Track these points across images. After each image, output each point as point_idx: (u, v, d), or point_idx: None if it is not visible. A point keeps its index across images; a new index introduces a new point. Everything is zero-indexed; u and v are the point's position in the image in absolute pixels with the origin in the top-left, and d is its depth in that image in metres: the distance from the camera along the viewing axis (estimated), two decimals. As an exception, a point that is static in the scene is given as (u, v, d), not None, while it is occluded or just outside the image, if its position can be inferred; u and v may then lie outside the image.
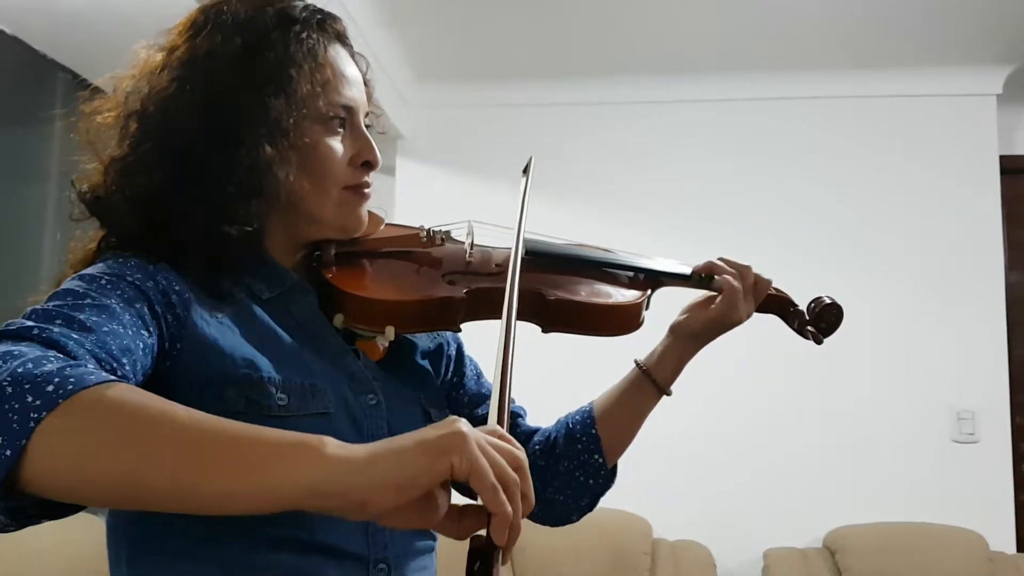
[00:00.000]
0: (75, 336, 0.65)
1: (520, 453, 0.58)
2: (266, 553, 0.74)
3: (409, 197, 3.57)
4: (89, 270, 0.76)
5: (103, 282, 0.73)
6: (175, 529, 0.75)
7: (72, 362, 0.60)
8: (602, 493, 1.04)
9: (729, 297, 0.99)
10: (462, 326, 0.91)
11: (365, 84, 0.93)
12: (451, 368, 1.01)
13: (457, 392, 1.01)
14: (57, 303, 0.69)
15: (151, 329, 0.73)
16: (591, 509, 1.05)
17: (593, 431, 1.01)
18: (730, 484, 3.23)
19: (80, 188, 0.83)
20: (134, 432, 0.55)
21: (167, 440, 0.55)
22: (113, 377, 0.59)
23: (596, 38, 3.22)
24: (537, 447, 1.03)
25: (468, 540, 0.57)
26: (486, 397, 1.02)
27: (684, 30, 3.13)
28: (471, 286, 0.90)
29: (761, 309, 1.05)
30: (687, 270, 1.04)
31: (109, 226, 0.82)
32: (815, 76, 3.41)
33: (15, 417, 0.54)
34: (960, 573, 2.85)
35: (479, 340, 1.00)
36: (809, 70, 3.40)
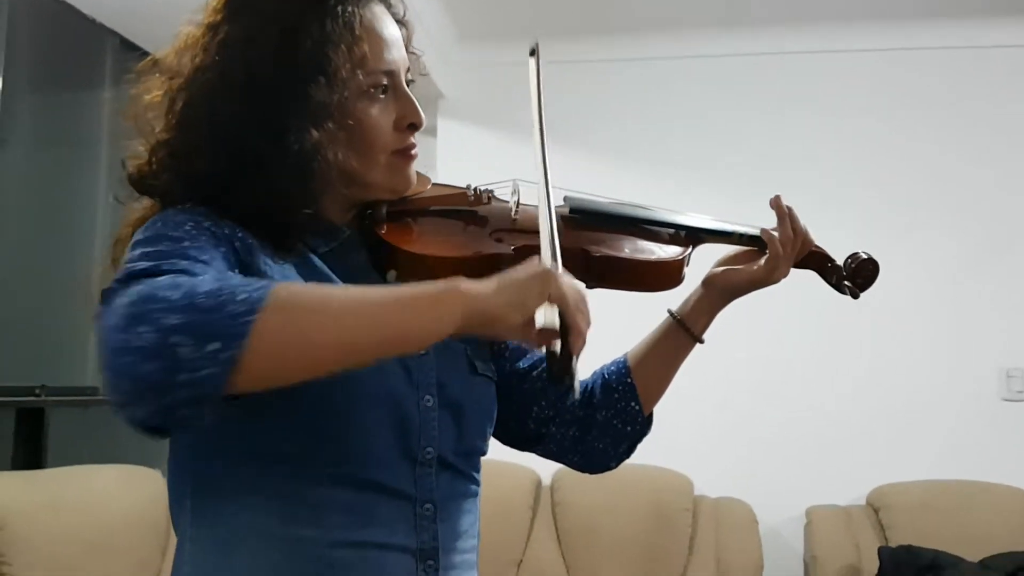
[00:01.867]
0: (199, 265, 0.71)
1: (581, 286, 0.75)
2: (324, 489, 0.79)
3: (451, 157, 3.58)
4: (165, 214, 0.79)
5: (188, 227, 0.76)
6: (237, 467, 0.79)
7: (230, 275, 0.69)
8: (639, 439, 1.06)
9: (773, 260, 1.00)
10: None
11: (404, 26, 0.93)
12: None
13: (500, 346, 1.03)
14: (162, 245, 0.73)
15: (235, 270, 0.77)
16: (628, 455, 1.07)
17: (629, 380, 1.03)
18: (773, 440, 3.24)
19: (129, 169, 0.86)
20: (329, 314, 0.67)
21: (358, 313, 0.68)
22: (271, 282, 0.67)
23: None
24: (576, 398, 1.05)
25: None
26: (525, 352, 1.04)
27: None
28: (519, 243, 0.92)
29: (799, 265, 1.06)
30: (729, 227, 1.05)
31: (164, 201, 0.85)
32: (869, 27, 3.33)
33: (228, 324, 0.62)
34: (1007, 532, 2.84)
35: None
36: (860, 22, 3.32)
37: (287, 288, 0.67)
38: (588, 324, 0.73)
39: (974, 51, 3.30)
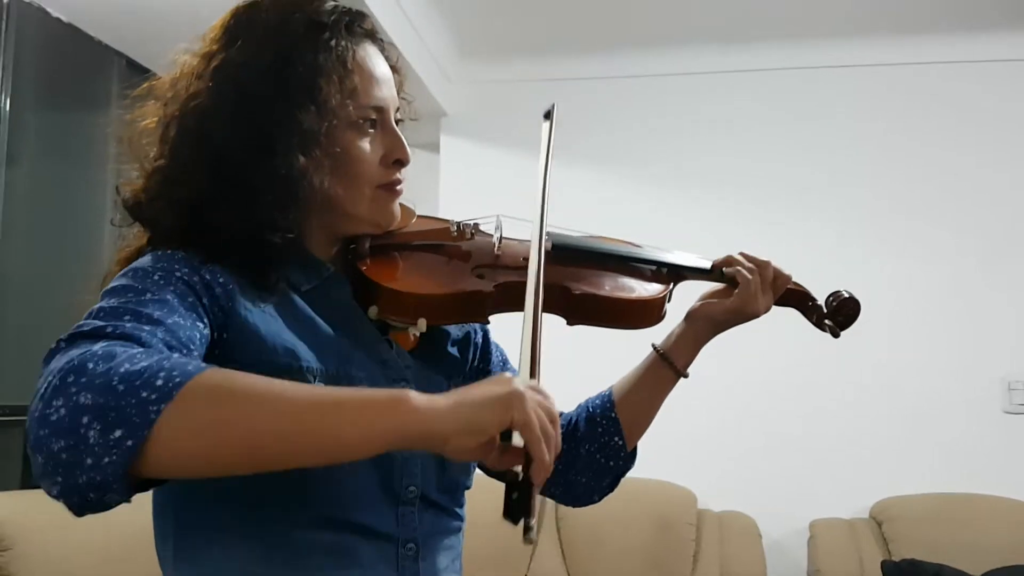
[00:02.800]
0: (147, 328, 0.70)
1: (554, 408, 0.69)
2: (306, 531, 0.80)
3: (453, 173, 3.61)
4: (140, 263, 0.80)
5: (156, 277, 0.77)
6: (220, 509, 0.80)
7: (166, 353, 0.66)
8: (622, 474, 1.07)
9: (744, 291, 1.02)
10: (490, 318, 0.95)
11: (396, 72, 0.95)
12: (478, 355, 1.05)
13: (483, 378, 1.05)
14: (119, 300, 0.73)
15: (205, 320, 0.78)
16: (612, 490, 1.08)
17: (612, 414, 1.04)
18: (776, 453, 3.24)
19: (124, 195, 0.87)
20: (248, 407, 0.63)
21: (280, 408, 0.63)
22: (204, 364, 0.65)
23: (635, 9, 3.20)
24: (560, 431, 1.06)
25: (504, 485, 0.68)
26: None
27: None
28: (500, 280, 0.93)
29: (780, 302, 1.08)
30: (708, 264, 1.06)
31: (153, 230, 0.86)
32: (880, 41, 3.35)
33: (134, 412, 0.60)
34: (1010, 544, 2.83)
35: (505, 328, 1.04)
36: (852, 38, 3.34)
37: (212, 376, 0.63)
38: (556, 451, 0.67)
39: (982, 63, 3.32)
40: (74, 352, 0.64)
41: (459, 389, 0.68)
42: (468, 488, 0.95)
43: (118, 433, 0.60)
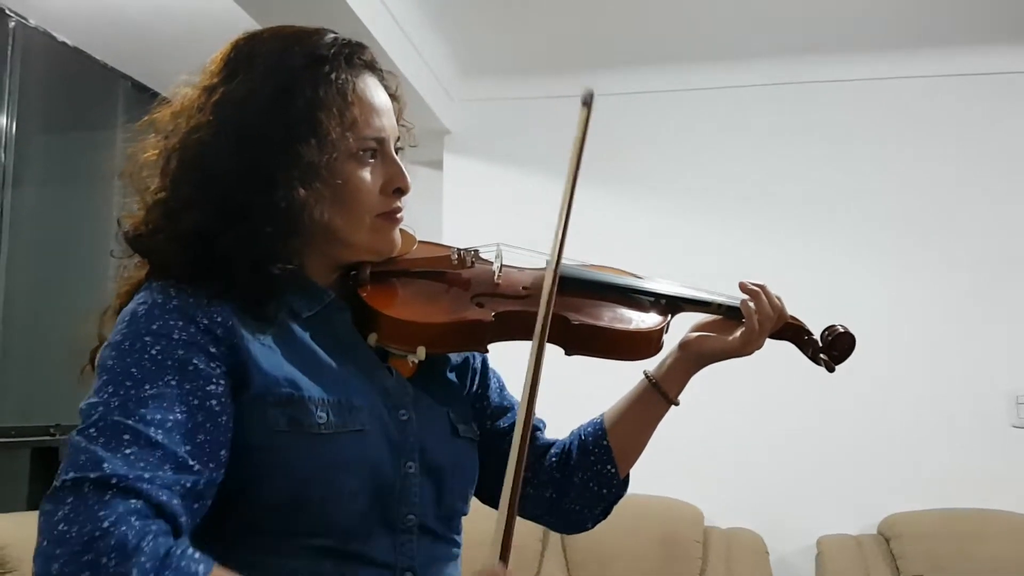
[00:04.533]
0: (148, 471, 0.71)
1: None
2: (305, 561, 0.80)
3: (457, 191, 3.62)
4: (136, 318, 0.79)
5: (154, 353, 0.77)
6: (220, 541, 0.80)
7: (171, 557, 0.69)
8: (615, 502, 1.06)
9: (748, 334, 1.02)
10: (489, 347, 0.96)
11: (396, 100, 0.96)
12: (476, 381, 1.05)
13: (481, 404, 1.05)
14: (117, 397, 0.74)
15: (216, 379, 0.78)
16: (604, 517, 1.08)
17: (604, 442, 1.04)
18: (783, 470, 3.23)
19: (124, 226, 0.88)
20: None
21: None
22: (208, 569, 0.70)
23: (638, 26, 3.22)
24: (553, 459, 1.06)
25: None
26: (507, 409, 1.06)
27: (729, 14, 3.12)
28: (499, 309, 0.93)
29: (776, 336, 1.07)
30: (708, 296, 1.06)
31: (153, 263, 0.86)
32: (884, 56, 3.37)
33: None
34: (1018, 560, 2.81)
35: (504, 355, 1.04)
36: (851, 53, 3.36)
37: None
38: None
39: (982, 78, 3.33)
40: (82, 518, 0.67)
41: None
42: (465, 515, 0.95)
43: None
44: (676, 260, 3.27)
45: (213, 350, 0.79)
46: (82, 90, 3.14)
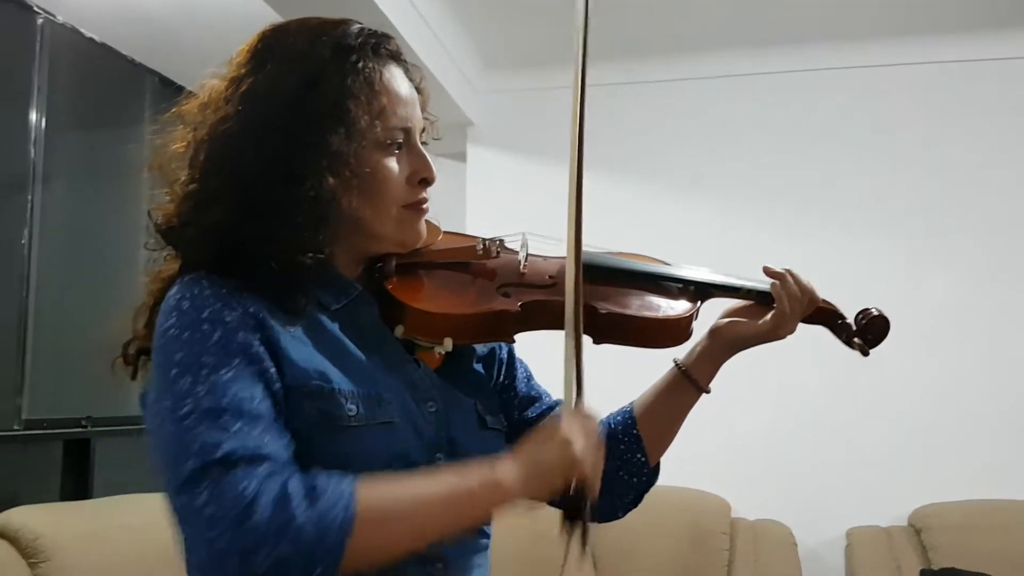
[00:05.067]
0: (256, 435, 0.76)
1: (597, 432, 0.84)
2: None
3: (480, 183, 3.62)
4: (182, 310, 0.80)
5: (216, 340, 0.78)
6: None
7: (319, 486, 0.74)
8: (646, 490, 1.06)
9: (779, 316, 1.01)
10: (516, 337, 0.96)
11: (420, 92, 0.96)
12: (503, 371, 1.05)
13: (508, 394, 1.05)
14: (200, 385, 0.76)
15: (268, 360, 0.80)
16: (635, 505, 1.07)
17: (634, 431, 1.04)
18: (811, 461, 3.20)
19: (156, 219, 0.88)
20: (403, 520, 0.77)
21: (425, 515, 0.78)
22: (348, 489, 0.75)
23: (661, 15, 3.20)
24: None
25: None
26: (535, 399, 1.06)
27: (750, 1, 3.09)
28: (525, 299, 0.93)
29: (808, 320, 1.05)
30: (737, 282, 1.05)
31: (185, 255, 0.87)
32: (915, 40, 3.32)
33: (328, 549, 0.72)
34: (1053, 552, 2.77)
35: (531, 345, 1.04)
36: (903, 36, 3.31)
37: (364, 502, 0.75)
38: (600, 473, 0.84)
39: (1008, 63, 3.27)
40: (231, 496, 0.72)
41: (526, 450, 0.82)
42: None
43: (319, 569, 0.71)
44: (705, 248, 3.25)
45: (258, 335, 0.81)
46: (109, 86, 3.17)
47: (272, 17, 2.46)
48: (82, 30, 3.03)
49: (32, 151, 2.80)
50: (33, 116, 2.81)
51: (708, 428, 3.24)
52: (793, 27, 3.28)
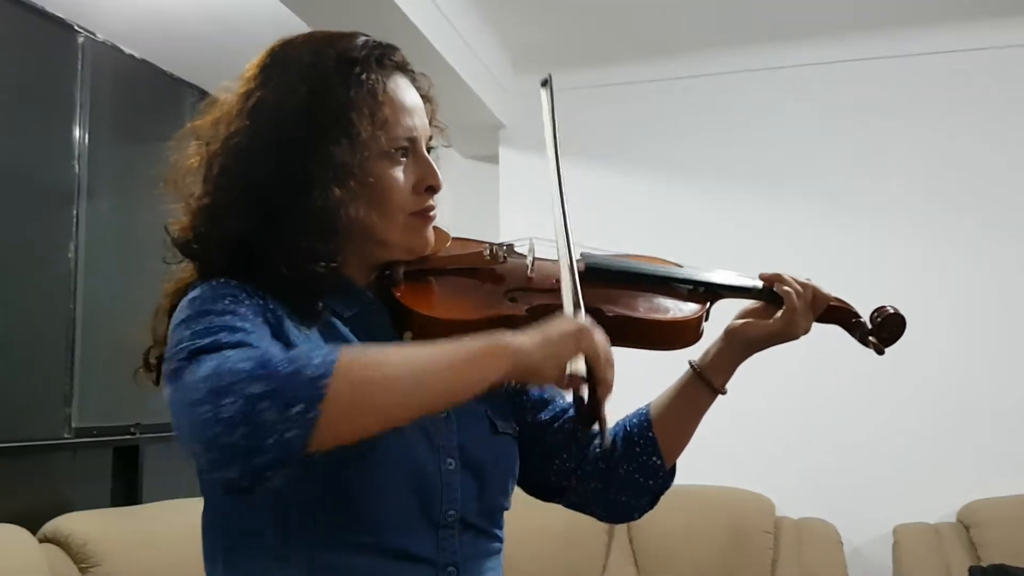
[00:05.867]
0: (253, 335, 0.75)
1: (605, 337, 0.81)
2: (346, 555, 0.82)
3: (513, 185, 3.63)
4: (200, 292, 0.82)
5: (227, 301, 0.80)
6: (266, 533, 0.83)
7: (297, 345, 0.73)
8: (662, 492, 1.06)
9: (789, 314, 1.00)
10: None
11: (428, 101, 0.98)
12: None
13: (520, 398, 1.05)
14: (206, 323, 0.77)
15: (274, 326, 0.82)
16: (652, 507, 1.07)
17: (650, 434, 1.03)
18: (857, 457, 3.15)
19: (173, 233, 0.91)
20: (393, 372, 0.73)
21: (419, 371, 0.74)
22: (338, 346, 0.73)
23: (688, 12, 3.19)
24: (597, 450, 1.06)
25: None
26: (547, 402, 1.06)
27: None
28: (532, 303, 0.94)
29: (822, 320, 1.05)
30: (747, 282, 1.04)
31: (201, 266, 0.89)
32: (911, 34, 3.27)
33: (305, 389, 0.68)
34: (1109, 548, 2.70)
35: None
36: (902, 28, 3.27)
37: (351, 351, 0.72)
38: (614, 374, 0.79)
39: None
40: (210, 362, 0.70)
41: (537, 327, 0.79)
42: (507, 509, 0.96)
43: (299, 408, 0.67)
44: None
45: (267, 325, 0.82)
46: (150, 101, 3.24)
47: (305, 30, 2.50)
48: (122, 47, 3.10)
49: (76, 166, 2.87)
50: (76, 132, 2.89)
51: (750, 426, 3.22)
52: (822, 21, 3.26)
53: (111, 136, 3.02)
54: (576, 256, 0.92)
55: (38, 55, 2.81)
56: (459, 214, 3.64)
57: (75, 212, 2.85)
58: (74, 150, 2.87)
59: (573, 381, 0.78)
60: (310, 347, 0.73)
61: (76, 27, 2.91)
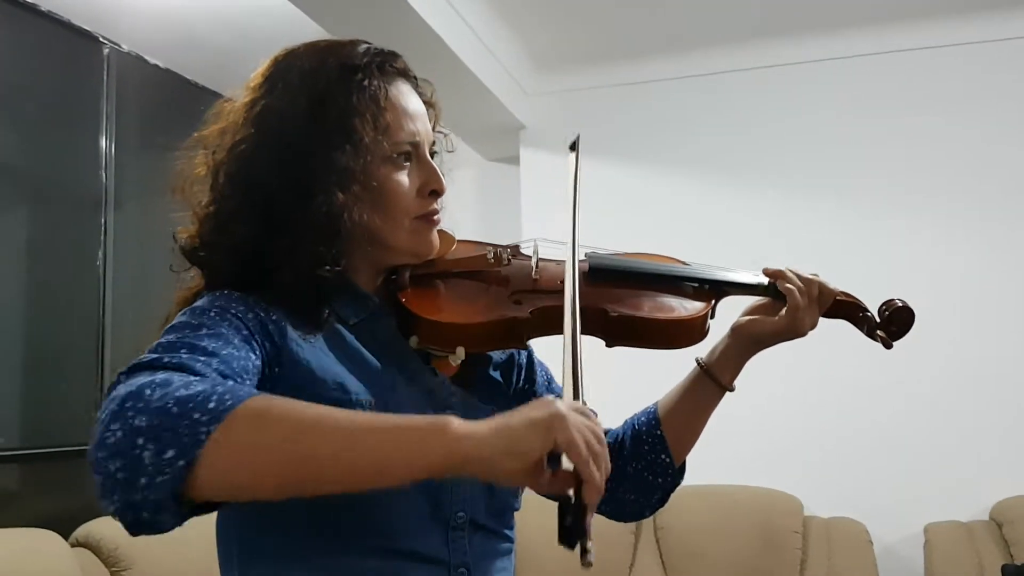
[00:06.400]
0: (201, 359, 0.74)
1: (599, 428, 0.69)
2: (357, 558, 0.82)
3: (534, 186, 3.63)
4: (197, 304, 0.84)
5: (212, 314, 0.81)
6: (280, 537, 0.83)
7: (220, 380, 0.70)
8: (672, 489, 1.05)
9: (793, 311, 0.99)
10: (529, 342, 0.96)
11: (431, 107, 0.98)
12: (522, 376, 1.05)
13: (528, 399, 1.04)
14: (177, 335, 0.77)
15: (257, 353, 0.81)
16: (662, 505, 1.07)
17: (658, 432, 1.03)
18: (887, 454, 3.12)
19: (180, 241, 0.92)
20: (296, 431, 0.66)
21: (327, 434, 0.66)
22: (257, 391, 0.68)
23: (707, 9, 3.17)
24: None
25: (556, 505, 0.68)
26: None
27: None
28: (536, 305, 0.94)
29: (829, 315, 1.04)
30: (752, 279, 1.04)
31: (208, 274, 0.90)
32: (925, 25, 3.23)
33: (185, 433, 0.63)
34: None
35: (551, 346, 1.04)
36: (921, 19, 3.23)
37: (260, 401, 0.66)
38: (606, 471, 0.67)
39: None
40: (134, 381, 0.68)
41: (502, 414, 0.69)
42: (517, 510, 0.96)
43: (170, 453, 0.62)
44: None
45: (259, 338, 0.82)
46: (175, 110, 3.29)
47: (325, 37, 2.52)
48: (147, 57, 3.15)
49: (104, 175, 2.92)
50: (103, 142, 2.93)
51: (778, 426, 3.19)
52: (825, 14, 3.23)
53: (137, 145, 3.07)
54: (579, 259, 0.91)
55: (65, 67, 2.86)
56: (481, 216, 3.65)
57: (103, 220, 2.90)
58: (101, 159, 2.92)
59: (558, 481, 0.66)
60: (229, 387, 0.67)
61: (101, 39, 2.95)
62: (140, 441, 0.62)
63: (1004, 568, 2.64)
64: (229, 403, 0.64)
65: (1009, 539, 2.79)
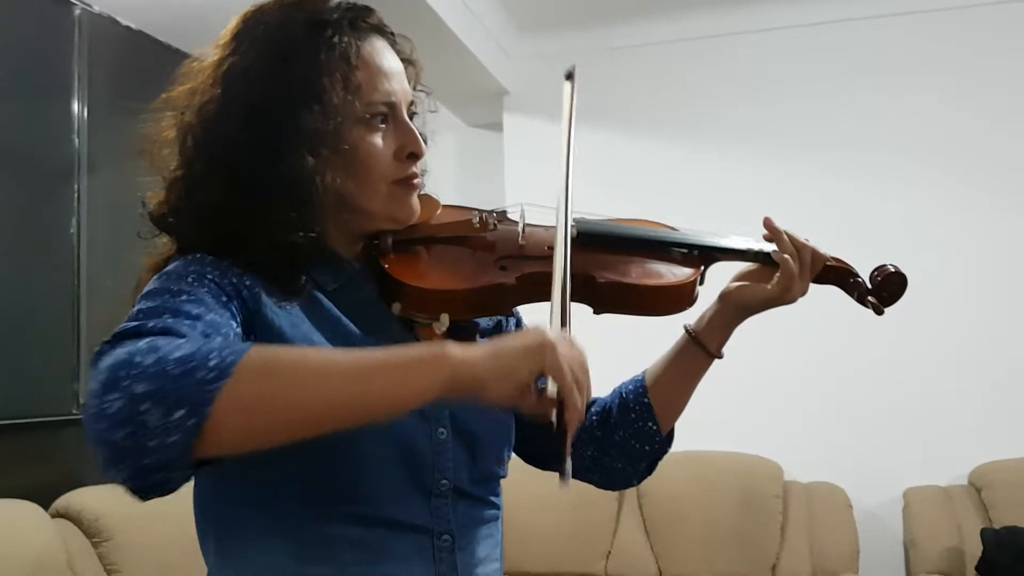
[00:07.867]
0: (186, 323, 0.72)
1: (584, 357, 0.73)
2: (337, 527, 0.81)
3: (517, 151, 3.59)
4: (171, 268, 0.81)
5: (190, 280, 0.78)
6: (256, 508, 0.82)
7: (212, 338, 0.70)
8: (659, 458, 1.05)
9: (786, 278, 0.98)
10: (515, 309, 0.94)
11: (411, 64, 0.94)
12: None
13: None
14: (157, 301, 0.75)
15: (236, 319, 0.79)
16: (650, 473, 1.06)
17: (645, 400, 1.02)
18: (866, 421, 3.14)
19: (149, 207, 0.88)
20: (305, 376, 0.67)
21: (332, 375, 0.68)
22: (252, 343, 0.68)
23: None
24: (594, 418, 1.05)
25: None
26: None
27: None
28: (523, 271, 0.92)
29: (819, 280, 1.02)
30: (742, 245, 1.02)
31: (179, 240, 0.87)
32: None
33: (193, 391, 0.63)
34: (1123, 508, 2.69)
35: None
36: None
37: (261, 352, 0.67)
38: (587, 398, 0.72)
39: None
40: (120, 350, 0.66)
41: (494, 340, 0.73)
42: (503, 477, 0.95)
43: (179, 413, 0.62)
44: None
45: (236, 304, 0.80)
46: (148, 73, 3.19)
47: None
48: (118, 19, 3.06)
49: (76, 140, 2.85)
50: (75, 106, 2.86)
51: (758, 391, 3.20)
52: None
53: (110, 109, 2.99)
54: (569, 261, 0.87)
55: (34, 29, 2.77)
56: (462, 185, 3.61)
57: (76, 187, 2.83)
58: (74, 124, 2.85)
59: (542, 403, 0.71)
60: (221, 343, 0.67)
61: (72, 0, 2.86)
62: (144, 407, 0.62)
63: (983, 532, 2.68)
64: (231, 358, 0.64)
65: (988, 503, 2.83)
